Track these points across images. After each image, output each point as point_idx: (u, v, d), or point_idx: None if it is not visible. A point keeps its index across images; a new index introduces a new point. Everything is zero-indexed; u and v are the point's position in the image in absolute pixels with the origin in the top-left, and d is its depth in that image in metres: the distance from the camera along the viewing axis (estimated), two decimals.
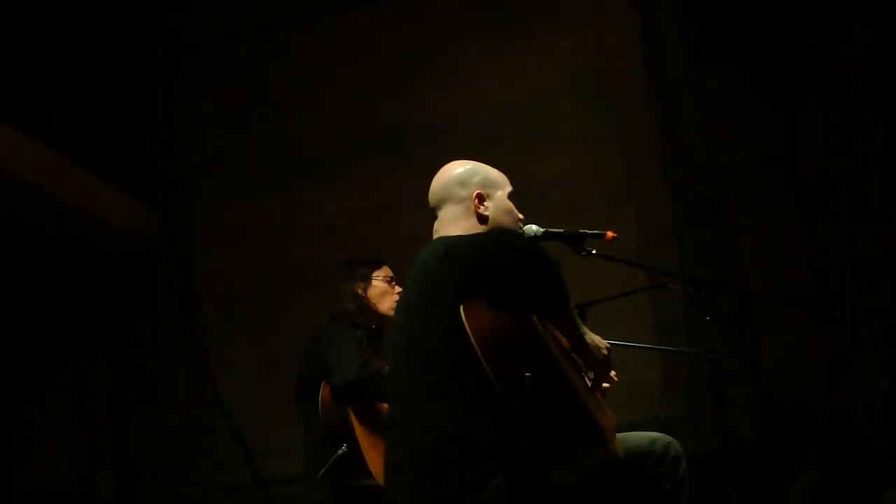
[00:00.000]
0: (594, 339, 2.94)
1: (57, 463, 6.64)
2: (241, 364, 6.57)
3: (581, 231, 3.21)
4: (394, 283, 4.54)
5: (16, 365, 6.60)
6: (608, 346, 2.98)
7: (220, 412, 6.63)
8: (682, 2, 6.31)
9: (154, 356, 6.78)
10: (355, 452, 4.12)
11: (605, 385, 3.05)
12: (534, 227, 3.16)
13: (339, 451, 4.08)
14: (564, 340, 2.97)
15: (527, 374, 2.55)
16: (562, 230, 3.19)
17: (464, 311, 2.66)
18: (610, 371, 2.99)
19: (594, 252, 3.22)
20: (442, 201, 3.09)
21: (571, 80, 6.46)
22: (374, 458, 4.10)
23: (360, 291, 4.52)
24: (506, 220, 3.08)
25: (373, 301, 4.52)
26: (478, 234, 2.89)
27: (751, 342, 5.86)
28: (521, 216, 3.14)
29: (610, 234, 3.23)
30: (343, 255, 5.04)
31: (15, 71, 6.22)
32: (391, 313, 4.37)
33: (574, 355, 2.99)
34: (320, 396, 4.28)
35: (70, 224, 6.47)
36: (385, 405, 4.24)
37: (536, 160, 6.06)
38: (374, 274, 4.56)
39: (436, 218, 3.11)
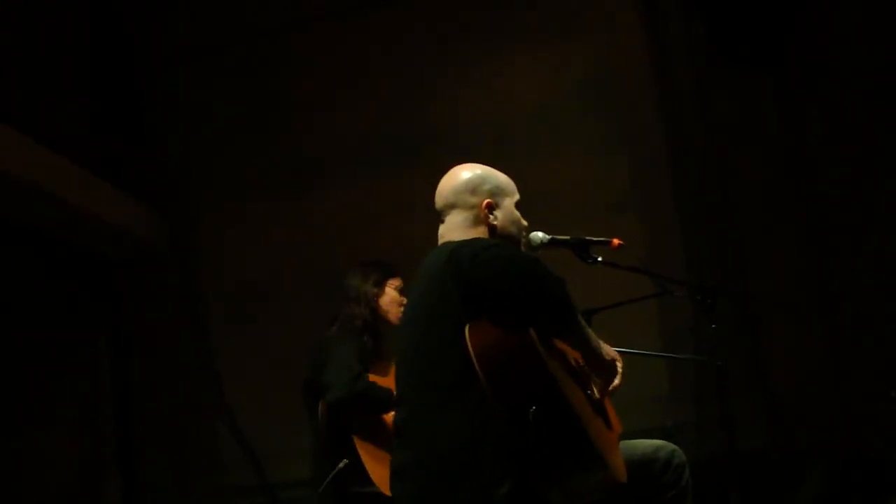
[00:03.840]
0: (606, 351, 2.95)
1: (62, 466, 6.65)
2: (245, 367, 6.57)
3: (587, 238, 3.20)
4: (403, 294, 4.57)
5: (20, 368, 6.61)
6: (619, 358, 2.98)
7: (224, 415, 6.63)
8: (688, 9, 6.30)
9: (158, 359, 6.78)
10: (356, 462, 4.13)
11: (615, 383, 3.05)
12: (539, 234, 3.15)
13: (340, 465, 4.10)
14: (576, 355, 2.97)
15: (532, 409, 2.54)
16: (568, 237, 3.19)
17: (468, 330, 2.64)
18: (620, 379, 2.99)
19: (600, 259, 3.21)
20: (450, 206, 3.06)
21: (578, 86, 6.45)
22: (374, 466, 4.12)
23: (372, 296, 4.56)
24: (512, 231, 3.07)
25: (383, 307, 4.56)
26: (486, 247, 2.83)
27: (757, 350, 5.85)
28: (525, 223, 3.12)
29: (616, 241, 3.22)
30: (348, 259, 5.05)
31: (17, 72, 6.22)
32: (397, 322, 4.42)
33: (584, 368, 2.99)
34: (319, 409, 4.32)
35: (73, 227, 6.48)
36: (386, 416, 4.26)
37: (543, 166, 6.06)
38: (389, 282, 4.61)
39: (441, 222, 3.08)
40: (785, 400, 5.75)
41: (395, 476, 2.87)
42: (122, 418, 6.81)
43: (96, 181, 6.52)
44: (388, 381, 4.23)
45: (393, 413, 3.37)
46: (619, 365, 2.99)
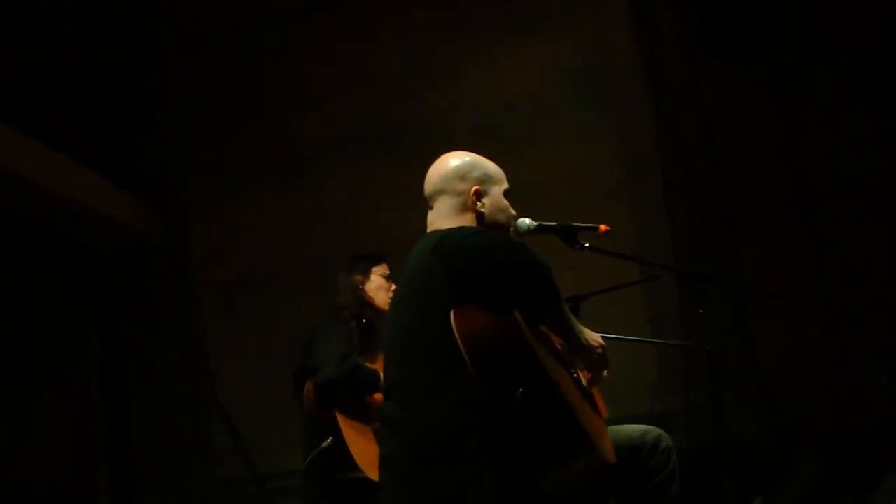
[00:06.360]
0: (589, 337, 2.94)
1: (55, 457, 6.65)
2: (238, 359, 6.57)
3: (574, 224, 3.19)
4: (391, 280, 4.58)
5: (14, 359, 6.60)
6: (603, 343, 2.98)
7: (215, 406, 6.63)
8: None
9: (152, 351, 6.79)
10: (341, 446, 4.14)
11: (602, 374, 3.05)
12: (527, 220, 3.14)
13: (325, 444, 4.11)
14: (559, 342, 2.97)
15: (519, 390, 2.55)
16: (555, 223, 3.18)
17: (454, 315, 2.65)
18: (605, 367, 3.00)
19: (587, 245, 3.21)
20: (438, 192, 3.06)
21: (569, 76, 6.47)
22: (360, 450, 4.13)
23: (358, 284, 4.56)
24: (500, 218, 3.07)
25: (369, 294, 4.57)
26: (470, 234, 2.86)
27: (747, 336, 5.85)
28: (513, 212, 3.13)
29: (603, 227, 3.21)
30: (340, 251, 5.05)
31: (13, 69, 6.22)
32: (386, 307, 4.43)
33: (568, 354, 2.99)
34: (304, 393, 4.33)
35: (69, 220, 6.49)
36: (374, 396, 4.26)
37: (533, 156, 6.08)
38: (374, 269, 4.62)
39: (429, 209, 3.08)
40: (775, 386, 5.76)
41: (384, 465, 2.88)
42: (114, 410, 6.81)
43: (88, 173, 6.52)
44: (377, 369, 4.25)
45: (380, 395, 3.38)
46: (605, 353, 2.98)
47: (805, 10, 6.12)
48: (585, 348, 2.92)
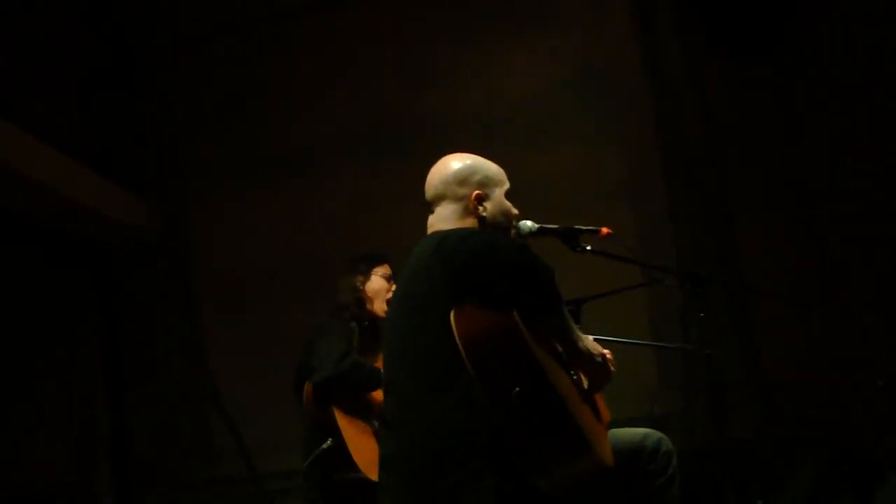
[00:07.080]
0: (589, 345, 2.91)
1: (55, 454, 6.65)
2: (238, 358, 6.58)
3: (576, 227, 3.19)
4: (392, 281, 4.58)
5: (14, 357, 6.60)
6: (603, 353, 2.95)
7: (217, 405, 6.63)
8: None
9: (152, 349, 6.79)
10: (341, 446, 4.14)
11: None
12: (528, 222, 3.14)
13: (325, 445, 4.11)
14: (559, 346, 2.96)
15: (516, 389, 2.54)
16: (556, 226, 3.18)
17: (453, 316, 2.65)
18: (607, 375, 2.96)
19: (589, 248, 3.20)
20: (439, 197, 3.05)
21: (570, 76, 6.46)
22: (359, 449, 4.13)
23: (358, 285, 4.56)
24: (502, 221, 3.06)
25: (369, 296, 4.57)
26: (471, 235, 2.86)
27: (748, 339, 5.86)
28: (516, 212, 3.12)
29: (605, 230, 3.21)
30: (341, 250, 5.06)
31: (13, 65, 6.22)
32: (386, 308, 4.41)
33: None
34: (304, 392, 4.32)
35: (69, 218, 6.48)
36: (373, 394, 4.26)
37: (535, 157, 6.08)
38: (375, 270, 4.62)
39: (430, 212, 3.07)
40: (775, 389, 5.77)
41: (383, 466, 2.88)
42: (115, 407, 6.81)
43: (91, 174, 6.52)
44: (378, 367, 4.25)
45: (380, 392, 3.37)
46: (606, 363, 2.94)
47: (806, 9, 6.11)
48: (584, 354, 2.89)
